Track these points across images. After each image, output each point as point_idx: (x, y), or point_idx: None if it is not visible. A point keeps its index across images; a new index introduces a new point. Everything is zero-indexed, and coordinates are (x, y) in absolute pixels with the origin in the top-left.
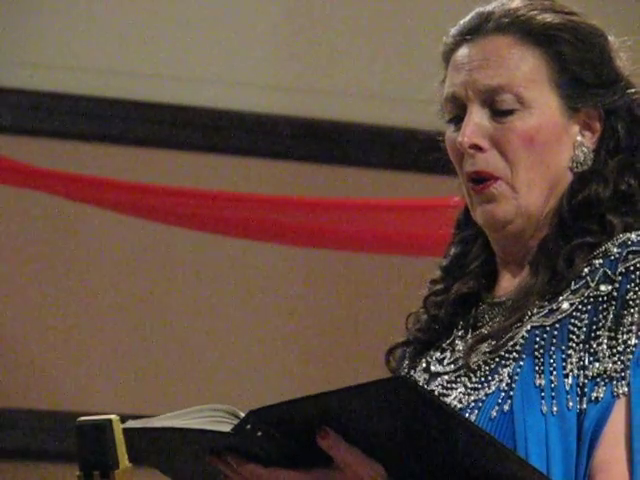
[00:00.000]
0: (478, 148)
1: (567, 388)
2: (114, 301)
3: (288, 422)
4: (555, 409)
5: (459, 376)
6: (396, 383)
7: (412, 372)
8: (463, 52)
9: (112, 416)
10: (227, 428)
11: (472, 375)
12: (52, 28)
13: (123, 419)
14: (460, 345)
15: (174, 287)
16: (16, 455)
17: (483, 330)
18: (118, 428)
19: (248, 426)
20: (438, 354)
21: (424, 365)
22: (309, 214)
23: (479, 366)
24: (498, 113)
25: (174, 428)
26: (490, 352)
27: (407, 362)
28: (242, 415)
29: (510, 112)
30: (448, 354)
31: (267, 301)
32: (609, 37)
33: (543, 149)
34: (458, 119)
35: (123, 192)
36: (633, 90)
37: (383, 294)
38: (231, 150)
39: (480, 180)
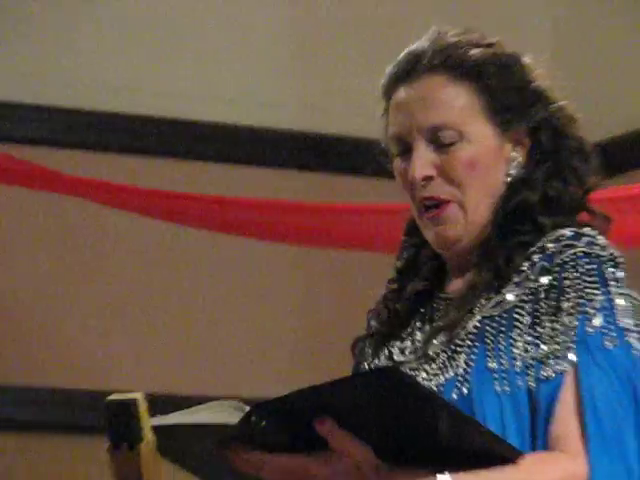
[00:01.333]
0: (428, 178)
1: (517, 370)
2: (140, 282)
3: (288, 412)
4: (507, 389)
5: (420, 364)
6: (383, 373)
7: (376, 361)
8: (402, 94)
9: (137, 394)
10: (234, 421)
11: (432, 362)
12: (91, 51)
13: (147, 397)
14: (419, 336)
15: (195, 273)
16: (49, 428)
17: (439, 322)
18: (143, 405)
19: (253, 418)
20: (399, 344)
21: (387, 354)
22: (307, 217)
23: (437, 354)
24: (442, 146)
25: (186, 424)
26: (446, 342)
27: (370, 352)
28: (247, 408)
29: (452, 144)
30: (409, 344)
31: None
32: (524, 59)
33: (484, 171)
34: (405, 153)
35: (146, 197)
36: (553, 105)
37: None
38: (239, 161)
39: (433, 205)
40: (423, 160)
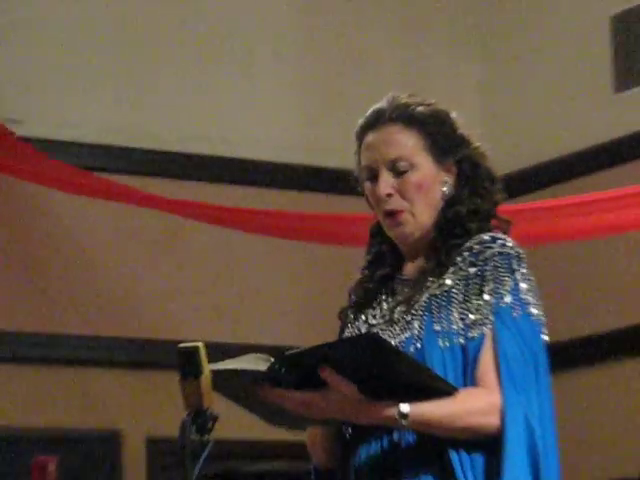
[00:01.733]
0: (390, 195)
1: (453, 332)
2: (202, 244)
3: (300, 363)
4: (447, 344)
5: (387, 326)
6: (364, 336)
7: (356, 323)
8: (370, 138)
9: (199, 343)
10: (264, 368)
11: (395, 326)
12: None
13: (205, 344)
14: (385, 306)
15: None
16: (133, 366)
17: (398, 297)
18: (202, 350)
19: (277, 366)
20: (371, 311)
21: (363, 319)
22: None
23: (398, 320)
24: (398, 173)
25: (231, 369)
26: (404, 311)
27: (351, 317)
28: (272, 360)
29: (405, 172)
30: (378, 312)
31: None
32: (453, 114)
33: (427, 190)
34: (373, 178)
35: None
36: (471, 146)
37: None
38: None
39: (392, 213)
40: (386, 183)
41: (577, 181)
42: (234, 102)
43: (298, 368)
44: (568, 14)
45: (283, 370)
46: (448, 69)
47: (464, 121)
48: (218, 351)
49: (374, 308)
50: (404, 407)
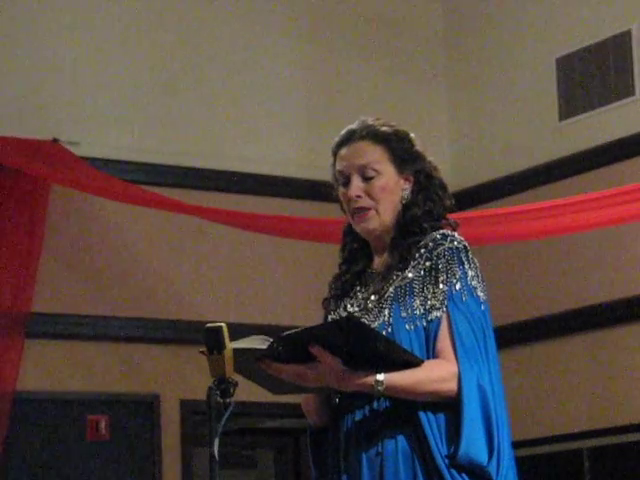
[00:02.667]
0: (359, 196)
1: (417, 316)
2: (221, 251)
3: (294, 342)
4: (412, 327)
5: (362, 314)
6: (347, 320)
7: (339, 310)
8: (345, 151)
9: (222, 324)
10: (264, 346)
11: (369, 313)
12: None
13: (227, 325)
14: (360, 296)
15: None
16: (169, 342)
17: (370, 288)
18: (226, 330)
19: (275, 345)
20: (349, 300)
21: (343, 307)
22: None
23: (372, 309)
24: (366, 178)
25: (241, 348)
26: (376, 301)
27: (333, 306)
28: (271, 340)
29: (372, 177)
30: (355, 301)
31: None
32: (411, 134)
33: (389, 193)
34: (346, 182)
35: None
36: (427, 160)
37: None
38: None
39: (361, 210)
40: (356, 186)
41: (529, 192)
42: (250, 127)
43: (293, 346)
44: (522, 55)
45: (280, 348)
46: (422, 99)
47: (433, 140)
48: (237, 330)
49: (351, 297)
50: (380, 376)
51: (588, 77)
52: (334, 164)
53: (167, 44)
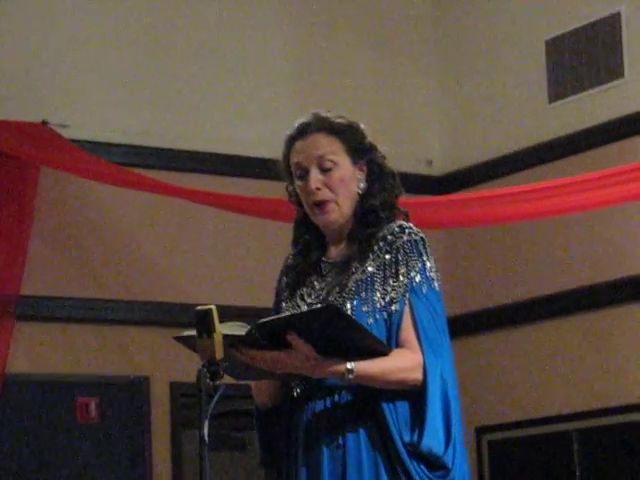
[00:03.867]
0: (319, 189)
1: (378, 309)
2: (205, 228)
3: (271, 329)
4: (374, 321)
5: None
6: (327, 308)
7: (295, 300)
8: (300, 144)
9: (212, 306)
10: (243, 332)
11: None
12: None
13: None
14: (317, 285)
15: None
16: (159, 325)
17: (328, 278)
18: (215, 312)
19: (253, 331)
20: (306, 290)
21: (299, 296)
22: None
23: (333, 301)
24: (324, 170)
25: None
26: (338, 293)
27: (286, 295)
28: (248, 327)
29: (330, 169)
30: (312, 291)
31: None
32: (362, 126)
33: (347, 185)
34: (303, 175)
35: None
36: (377, 150)
37: None
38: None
39: (321, 203)
40: (315, 178)
41: (518, 174)
42: (242, 112)
43: (269, 333)
44: (512, 37)
45: (257, 335)
46: (412, 81)
47: (423, 122)
48: (226, 313)
49: (307, 287)
50: (350, 364)
51: (577, 59)
52: (287, 157)
53: (155, 26)
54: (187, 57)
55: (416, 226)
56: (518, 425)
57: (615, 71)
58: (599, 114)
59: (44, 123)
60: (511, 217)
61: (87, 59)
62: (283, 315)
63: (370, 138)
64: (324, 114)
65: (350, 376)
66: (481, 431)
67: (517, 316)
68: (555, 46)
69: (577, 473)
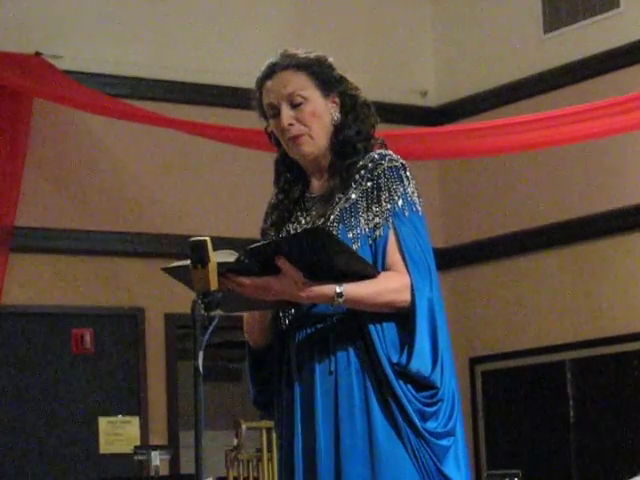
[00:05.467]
0: (291, 125)
1: (363, 235)
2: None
3: (260, 254)
4: (360, 246)
5: None
6: (315, 229)
7: (281, 235)
8: (270, 83)
9: (206, 237)
10: (232, 259)
11: None
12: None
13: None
14: (302, 220)
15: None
16: (153, 256)
17: (312, 212)
18: (210, 244)
19: (242, 257)
20: (291, 225)
21: (286, 232)
22: None
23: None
24: (295, 105)
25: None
26: (323, 224)
27: (272, 234)
28: (237, 254)
29: (300, 104)
30: (297, 226)
31: None
32: (330, 59)
33: (319, 117)
34: (276, 114)
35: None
36: (348, 82)
37: None
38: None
39: (295, 138)
40: (287, 115)
41: (513, 105)
42: (239, 44)
43: (259, 259)
44: None
45: (247, 261)
46: (406, 12)
47: (417, 54)
48: (222, 244)
49: (293, 223)
50: (339, 288)
51: None
52: (260, 99)
53: None
54: None
55: (406, 157)
56: (511, 355)
57: (611, 1)
58: (595, 45)
59: (37, 54)
60: (506, 148)
61: None
62: (272, 240)
63: (339, 71)
64: (291, 51)
65: (340, 299)
66: (474, 362)
67: (511, 247)
68: None
69: (570, 402)
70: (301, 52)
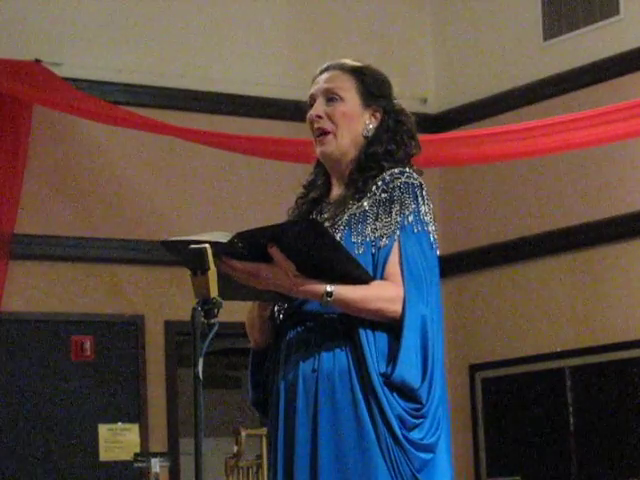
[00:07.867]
0: (320, 117)
1: (367, 242)
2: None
3: (254, 239)
4: (362, 251)
5: None
6: (309, 221)
7: None
8: (319, 77)
9: (206, 245)
10: (225, 240)
11: None
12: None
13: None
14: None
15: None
16: (153, 263)
17: (325, 215)
18: (209, 251)
19: (235, 240)
20: None
21: None
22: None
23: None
24: (329, 100)
25: (204, 240)
26: (330, 226)
27: None
28: (230, 236)
29: (334, 100)
30: None
31: None
32: (389, 80)
33: (349, 121)
34: (312, 105)
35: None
36: (396, 102)
37: None
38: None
39: (320, 132)
40: (318, 107)
41: (513, 113)
42: (238, 52)
43: (252, 243)
44: None
45: (240, 244)
46: (406, 18)
47: (418, 60)
48: (221, 251)
49: None
50: (329, 287)
51: None
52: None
53: None
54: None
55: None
56: (511, 362)
57: (610, 8)
58: (594, 52)
59: (37, 61)
60: (505, 156)
61: (81, 2)
62: (265, 226)
63: (390, 88)
64: (350, 60)
65: (329, 298)
66: (474, 369)
67: (510, 255)
68: None
69: (570, 409)
70: (361, 63)
